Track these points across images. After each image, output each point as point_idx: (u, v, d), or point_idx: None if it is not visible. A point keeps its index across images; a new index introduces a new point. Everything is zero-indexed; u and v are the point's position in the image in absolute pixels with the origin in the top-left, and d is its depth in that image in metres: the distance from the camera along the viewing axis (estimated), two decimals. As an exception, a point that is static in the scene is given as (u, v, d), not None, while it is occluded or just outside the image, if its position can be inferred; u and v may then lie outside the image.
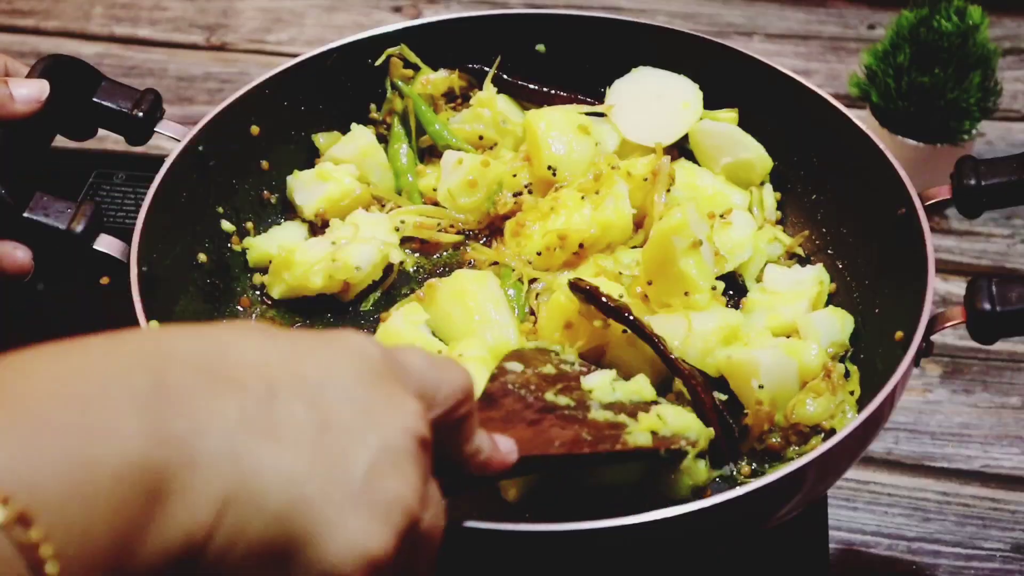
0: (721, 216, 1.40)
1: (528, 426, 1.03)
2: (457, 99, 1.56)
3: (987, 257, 1.77)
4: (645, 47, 1.52)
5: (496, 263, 1.40)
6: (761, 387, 1.23)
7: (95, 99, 1.35)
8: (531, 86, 1.53)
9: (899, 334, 1.21)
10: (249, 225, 1.45)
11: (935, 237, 1.76)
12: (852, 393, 1.26)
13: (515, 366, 1.13)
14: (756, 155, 1.46)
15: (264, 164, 1.48)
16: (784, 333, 1.32)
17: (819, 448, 1.06)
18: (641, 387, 1.18)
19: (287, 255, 1.37)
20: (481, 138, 1.51)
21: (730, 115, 1.49)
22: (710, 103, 1.49)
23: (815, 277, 1.38)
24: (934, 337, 1.17)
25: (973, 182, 1.27)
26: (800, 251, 1.45)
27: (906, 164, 1.35)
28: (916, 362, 1.15)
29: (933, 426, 1.55)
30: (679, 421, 1.16)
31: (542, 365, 1.15)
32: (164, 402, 0.67)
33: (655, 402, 1.19)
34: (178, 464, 0.66)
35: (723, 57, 1.49)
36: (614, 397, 1.15)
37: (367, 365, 0.78)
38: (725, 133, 1.46)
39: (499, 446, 0.92)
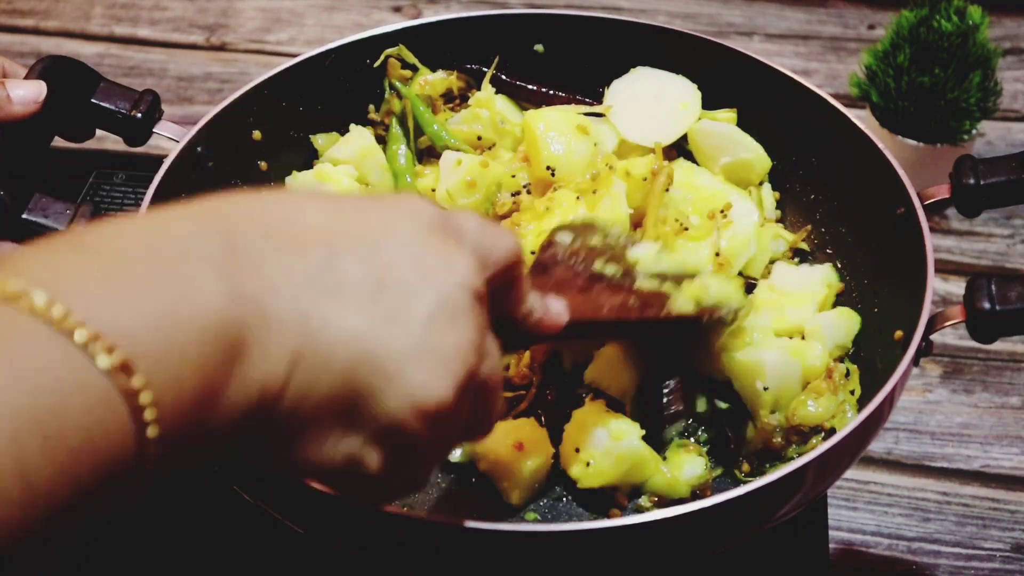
0: (722, 213, 1.40)
1: (578, 293, 1.07)
2: (455, 100, 1.55)
3: (987, 257, 1.77)
4: (644, 47, 1.52)
5: None
6: (766, 389, 1.23)
7: (93, 100, 1.34)
8: (530, 86, 1.53)
9: (899, 333, 1.21)
10: None
11: (935, 237, 1.76)
12: (852, 392, 1.26)
13: (564, 237, 1.14)
14: (755, 155, 1.46)
15: (263, 165, 1.47)
16: (788, 334, 1.31)
17: (819, 448, 1.06)
18: (685, 259, 1.19)
19: None
20: (480, 138, 1.51)
21: (729, 115, 1.49)
22: (709, 103, 1.49)
23: (824, 279, 1.37)
24: (934, 337, 1.17)
25: (972, 181, 1.27)
26: (804, 246, 1.44)
27: (906, 164, 1.35)
28: (916, 361, 1.15)
29: (933, 426, 1.55)
30: (722, 290, 1.18)
31: (590, 237, 1.16)
32: (237, 264, 0.71)
33: (697, 274, 1.20)
34: (253, 322, 0.71)
35: (722, 57, 1.49)
36: (659, 268, 1.17)
37: (423, 222, 0.82)
38: (724, 133, 1.46)
39: (550, 308, 0.98)
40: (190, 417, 0.68)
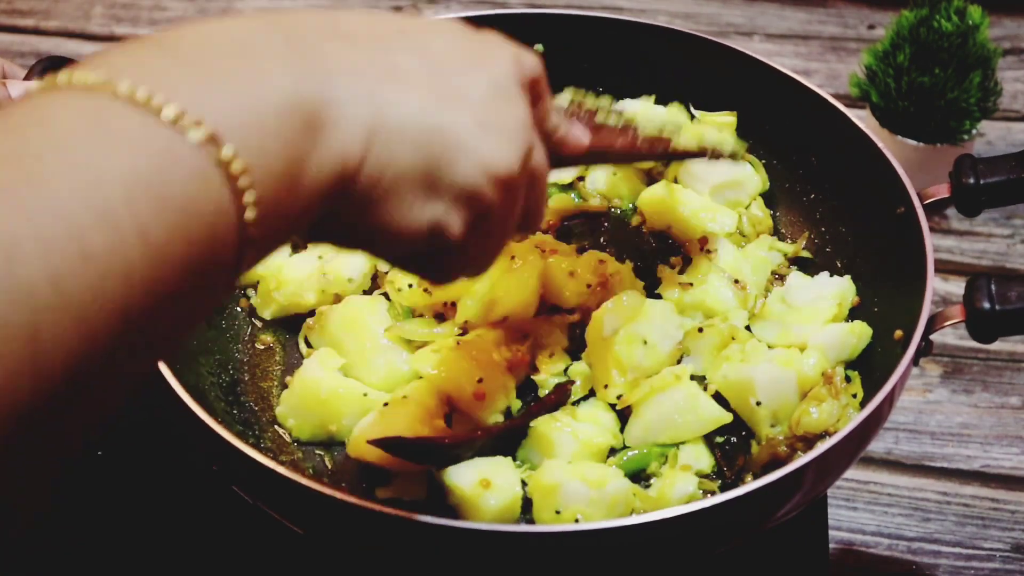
0: (705, 251, 1.38)
1: (591, 131, 1.12)
2: None
3: (987, 257, 1.77)
4: (645, 47, 1.52)
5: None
6: (759, 404, 1.22)
7: None
8: None
9: (898, 333, 1.21)
10: None
11: (935, 237, 1.76)
12: (855, 396, 1.24)
13: (563, 98, 1.17)
14: (745, 175, 1.45)
15: None
16: (793, 347, 1.29)
17: (818, 448, 1.06)
18: (677, 114, 1.30)
19: (276, 273, 1.35)
20: None
21: (729, 119, 1.49)
22: (710, 103, 1.49)
23: (837, 293, 1.33)
24: (934, 337, 1.17)
25: (972, 180, 1.27)
26: (806, 254, 1.43)
27: (906, 164, 1.35)
28: (915, 361, 1.15)
29: (933, 426, 1.55)
30: (716, 137, 1.28)
31: (582, 99, 1.21)
32: (299, 54, 0.76)
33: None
34: (324, 101, 0.75)
35: (724, 57, 1.48)
36: (654, 121, 1.23)
37: (460, 28, 0.89)
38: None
39: (573, 129, 1.06)
40: (280, 185, 0.72)
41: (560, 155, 1.03)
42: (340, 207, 0.79)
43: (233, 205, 0.69)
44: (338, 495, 1.01)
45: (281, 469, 1.03)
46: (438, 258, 0.88)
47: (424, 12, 2.20)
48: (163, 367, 1.11)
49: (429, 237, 0.83)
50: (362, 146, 0.77)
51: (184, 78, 0.69)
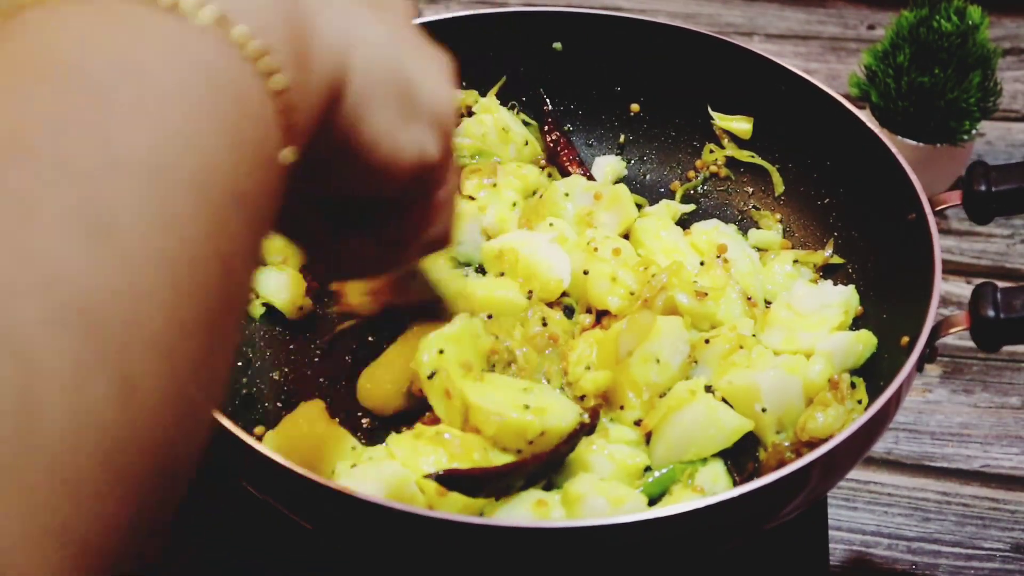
0: (723, 259, 1.38)
1: None
2: (462, 116, 1.54)
3: (987, 257, 1.77)
4: (659, 47, 1.52)
5: None
6: (764, 410, 1.22)
7: None
8: (554, 135, 1.54)
9: (905, 339, 1.21)
10: None
11: (935, 237, 1.77)
12: (860, 402, 1.24)
13: None
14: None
15: None
16: (799, 353, 1.30)
17: (821, 448, 1.07)
18: None
19: None
20: (476, 156, 1.50)
21: (745, 126, 1.49)
22: (724, 106, 1.49)
23: (843, 302, 1.33)
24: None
25: (983, 188, 1.27)
26: (837, 259, 1.42)
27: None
28: (920, 367, 1.15)
29: (933, 426, 1.56)
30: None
31: None
32: None
33: None
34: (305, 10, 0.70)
35: (739, 59, 1.49)
36: None
37: None
38: None
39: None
40: (299, 71, 0.68)
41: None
42: (333, 116, 0.76)
43: (259, 84, 0.64)
44: (350, 491, 1.01)
45: (291, 464, 1.03)
46: (414, 206, 0.88)
47: (424, 12, 2.20)
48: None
49: (416, 165, 0.82)
50: (345, 51, 0.74)
51: None
